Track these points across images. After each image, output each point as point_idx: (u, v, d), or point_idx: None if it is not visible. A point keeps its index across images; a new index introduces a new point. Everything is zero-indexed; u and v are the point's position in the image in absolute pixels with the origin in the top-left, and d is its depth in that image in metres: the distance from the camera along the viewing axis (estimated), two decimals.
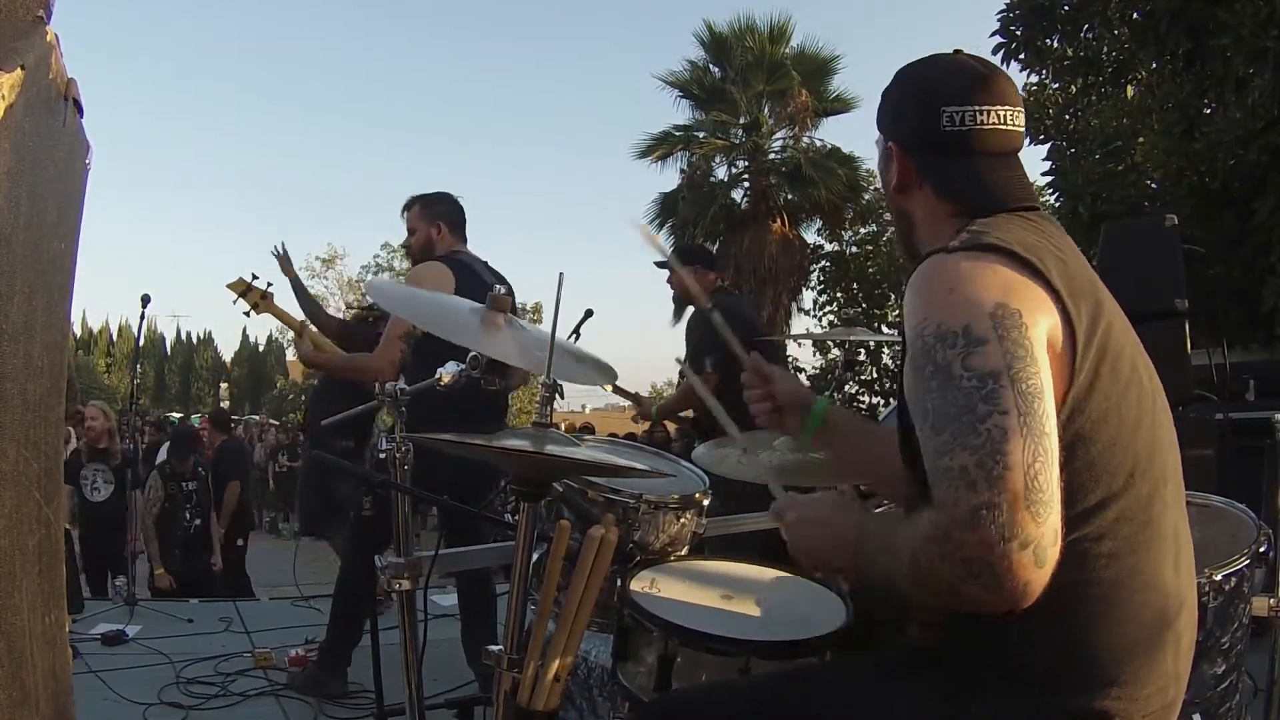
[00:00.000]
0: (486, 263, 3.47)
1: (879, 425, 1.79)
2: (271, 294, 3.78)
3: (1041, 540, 0.99)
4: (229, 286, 3.70)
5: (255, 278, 3.75)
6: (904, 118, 1.33)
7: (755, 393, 1.61)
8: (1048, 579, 1.01)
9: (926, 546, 1.04)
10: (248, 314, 3.76)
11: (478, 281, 3.21)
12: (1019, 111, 1.29)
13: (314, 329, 4.08)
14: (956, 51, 1.37)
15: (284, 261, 3.95)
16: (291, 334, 4.03)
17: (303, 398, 32.68)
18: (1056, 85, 9.24)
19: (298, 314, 4.24)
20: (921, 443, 1.10)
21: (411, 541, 2.12)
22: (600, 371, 1.96)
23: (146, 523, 6.08)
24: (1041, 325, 1.09)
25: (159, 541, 6.14)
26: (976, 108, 1.25)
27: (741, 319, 3.91)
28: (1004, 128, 1.27)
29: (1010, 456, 1.00)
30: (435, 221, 3.45)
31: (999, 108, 1.27)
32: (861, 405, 13.55)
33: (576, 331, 4.46)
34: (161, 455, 7.33)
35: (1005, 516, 0.98)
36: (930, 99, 1.27)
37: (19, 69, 1.05)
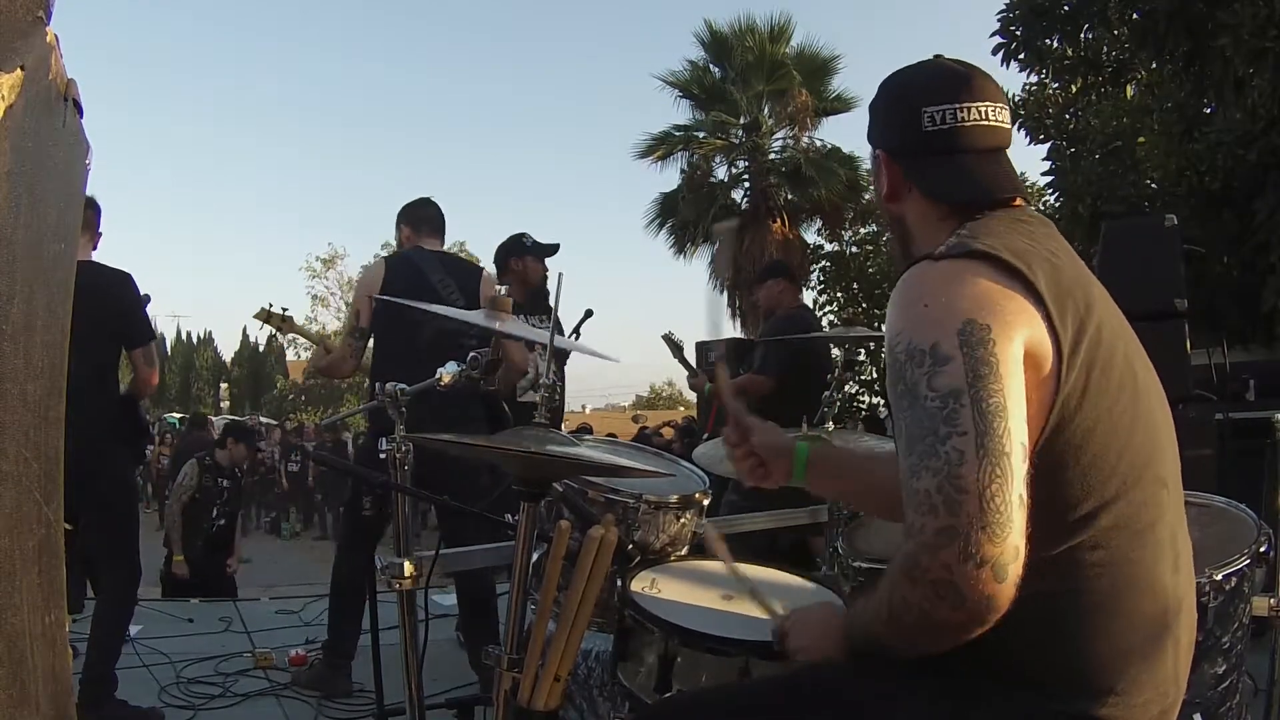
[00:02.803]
0: (448, 257, 3.72)
1: (863, 452, 1.80)
2: (291, 316, 4.16)
3: (1000, 559, 1.01)
4: (255, 316, 4.01)
5: (272, 305, 4.10)
6: (888, 124, 1.34)
7: (738, 451, 1.61)
8: (1013, 592, 1.02)
9: (900, 579, 1.07)
10: (273, 337, 4.16)
11: (414, 273, 3.47)
12: (1002, 108, 1.29)
13: (332, 341, 4.28)
14: (936, 56, 1.38)
15: (283, 322, 4.15)
16: (291, 335, 4.32)
17: (303, 398, 32.74)
18: (1056, 85, 9.25)
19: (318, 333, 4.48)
20: (899, 460, 1.11)
21: (412, 541, 2.12)
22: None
23: (174, 509, 6.06)
24: (1017, 339, 1.08)
25: (183, 531, 6.12)
26: (957, 105, 1.26)
27: (796, 332, 4.23)
28: (987, 123, 1.27)
29: (965, 480, 1.02)
30: (402, 225, 3.80)
31: (980, 104, 1.26)
32: (861, 405, 13.53)
33: (576, 331, 4.51)
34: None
35: (963, 539, 1.01)
36: (911, 102, 1.28)
37: (19, 69, 1.05)
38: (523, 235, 4.19)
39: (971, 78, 1.29)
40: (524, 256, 4.16)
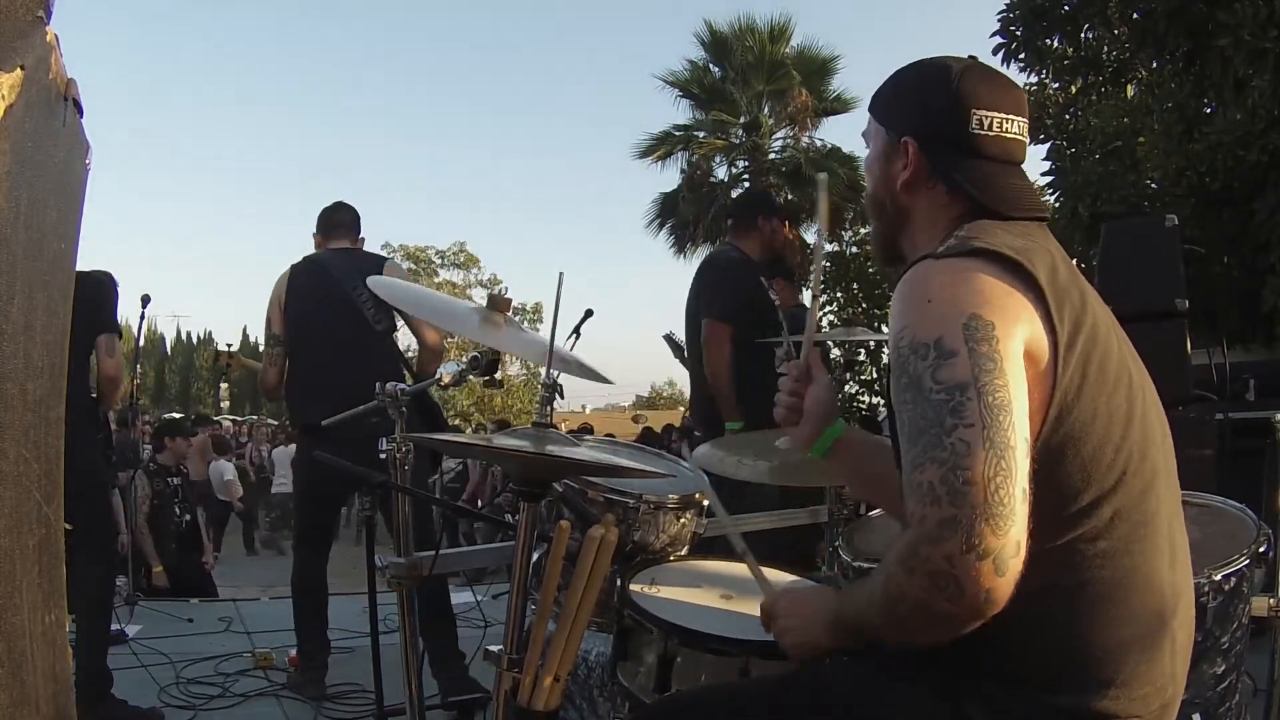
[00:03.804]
0: (353, 251, 3.66)
1: (887, 443, 1.79)
2: (236, 352, 4.40)
3: (1002, 552, 1.01)
4: (213, 366, 4.27)
5: (218, 348, 4.37)
6: (927, 114, 1.32)
7: (790, 386, 1.56)
8: (1012, 587, 1.02)
9: (896, 568, 1.07)
10: (224, 375, 4.39)
11: (319, 271, 3.52)
12: (1027, 124, 1.32)
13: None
14: (972, 58, 1.38)
15: (232, 360, 4.23)
16: (242, 370, 4.53)
17: None
18: (1056, 85, 9.23)
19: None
20: (901, 454, 1.11)
21: (410, 541, 2.12)
22: (593, 376, 1.99)
23: (139, 522, 6.08)
24: (1018, 335, 1.09)
25: (153, 539, 6.15)
26: (1004, 116, 1.27)
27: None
28: (1021, 139, 1.30)
29: (972, 471, 1.02)
30: (315, 233, 3.80)
31: (1018, 118, 1.29)
32: (861, 405, 13.52)
33: (576, 331, 4.50)
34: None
35: (965, 529, 1.00)
36: (960, 100, 1.28)
37: (19, 69, 1.05)
38: (770, 193, 4.05)
39: (1016, 90, 1.32)
40: (772, 217, 3.92)
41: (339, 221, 3.75)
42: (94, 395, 3.35)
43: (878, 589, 1.11)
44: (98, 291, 3.24)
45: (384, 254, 4.15)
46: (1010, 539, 1.01)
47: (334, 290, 3.42)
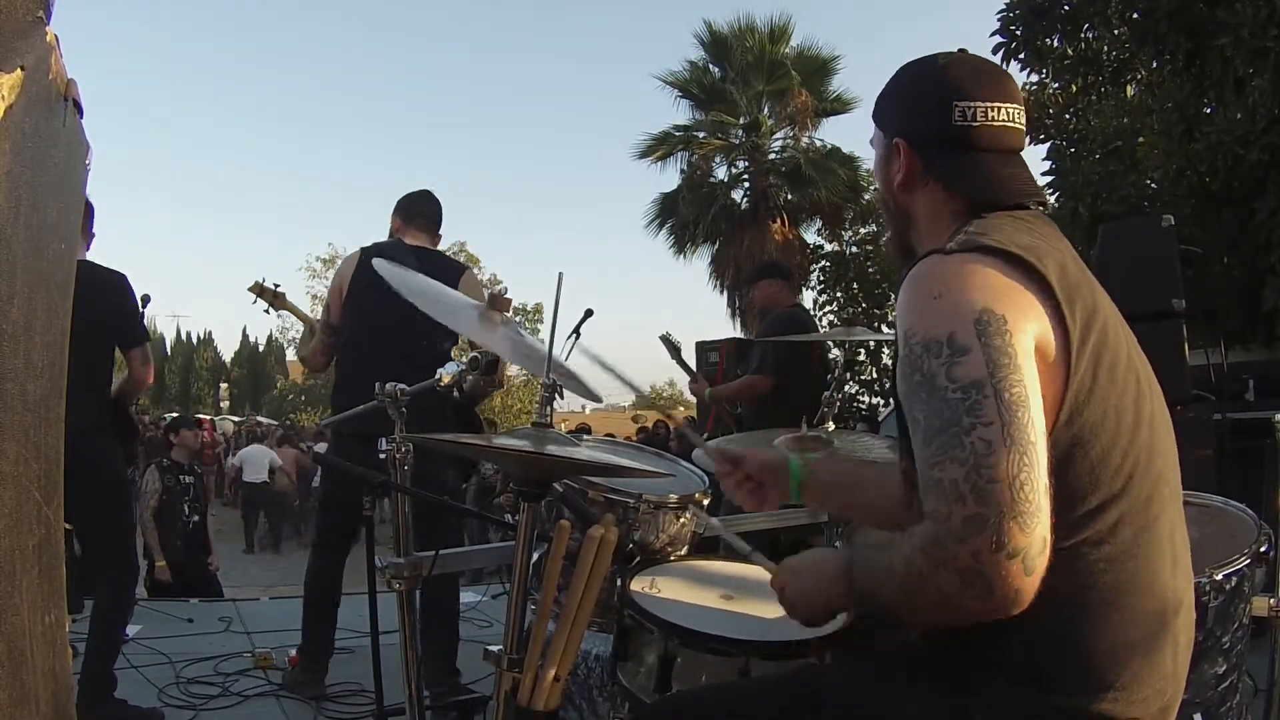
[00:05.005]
0: (426, 253, 3.44)
1: (861, 463, 1.80)
2: (283, 292, 4.01)
3: (1030, 550, 1.01)
4: (249, 290, 3.92)
5: (265, 280, 3.98)
6: (913, 113, 1.32)
7: (730, 481, 1.62)
8: (1038, 585, 1.02)
9: (920, 557, 1.06)
10: (267, 311, 3.99)
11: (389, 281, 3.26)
12: (1022, 111, 1.30)
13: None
14: (960, 50, 1.37)
15: (275, 298, 4.08)
16: (292, 335, 4.25)
17: (303, 398, 32.77)
18: (1056, 85, 9.23)
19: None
20: (914, 450, 1.11)
21: (411, 541, 2.12)
22: (587, 392, 1.97)
23: (145, 516, 6.09)
24: (1029, 331, 1.09)
25: (159, 535, 6.16)
26: (987, 104, 1.26)
27: (792, 331, 4.13)
28: (1012, 125, 1.28)
29: (996, 469, 1.01)
30: (395, 215, 3.58)
31: (1007, 105, 1.28)
32: (861, 405, 13.52)
33: (577, 331, 4.49)
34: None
35: (994, 528, 1.00)
36: (942, 94, 1.27)
37: (19, 69, 1.05)
38: None
39: (1002, 77, 1.31)
40: None
41: (422, 212, 3.53)
42: (115, 394, 3.33)
43: (898, 570, 1.10)
44: (119, 295, 3.20)
45: (464, 263, 3.75)
46: (1037, 536, 1.01)
47: (399, 304, 3.26)
